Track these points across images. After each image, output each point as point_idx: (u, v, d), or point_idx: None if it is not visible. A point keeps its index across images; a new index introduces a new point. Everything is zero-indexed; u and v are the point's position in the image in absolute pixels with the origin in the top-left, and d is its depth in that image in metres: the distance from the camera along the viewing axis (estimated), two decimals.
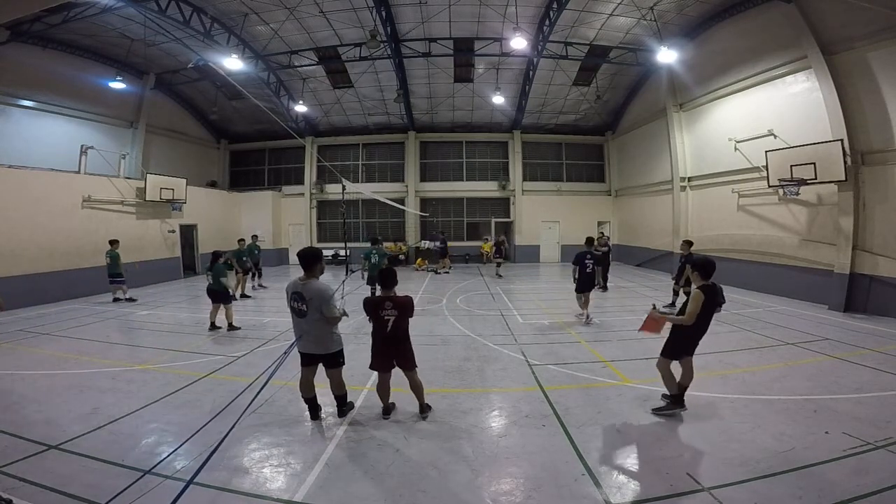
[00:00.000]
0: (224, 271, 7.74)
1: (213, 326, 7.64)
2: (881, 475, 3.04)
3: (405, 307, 3.99)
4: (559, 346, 6.55)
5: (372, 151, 20.25)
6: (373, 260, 9.34)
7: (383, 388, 4.17)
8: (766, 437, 3.64)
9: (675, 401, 4.15)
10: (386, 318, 3.95)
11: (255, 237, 12.84)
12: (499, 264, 15.21)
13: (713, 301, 3.94)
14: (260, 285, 12.21)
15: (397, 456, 3.48)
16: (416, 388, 4.13)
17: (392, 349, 4.03)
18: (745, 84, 11.53)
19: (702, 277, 4.01)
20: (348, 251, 14.35)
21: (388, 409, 4.20)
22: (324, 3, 12.24)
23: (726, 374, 5.25)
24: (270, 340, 6.97)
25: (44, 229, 10.38)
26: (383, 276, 4.13)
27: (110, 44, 13.36)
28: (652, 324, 4.44)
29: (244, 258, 11.23)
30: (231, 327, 7.61)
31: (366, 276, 9.61)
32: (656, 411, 4.18)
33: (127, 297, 10.55)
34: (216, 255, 7.86)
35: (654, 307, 4.27)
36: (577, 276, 7.96)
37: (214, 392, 4.81)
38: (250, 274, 11.65)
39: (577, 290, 8.06)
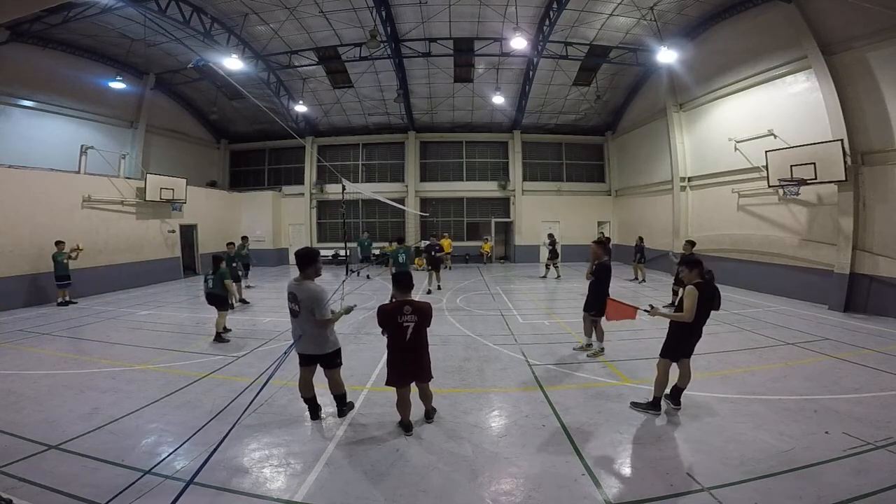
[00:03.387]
0: (228, 275, 7.33)
1: (224, 331, 7.26)
2: (881, 475, 3.05)
3: (425, 313, 3.71)
4: (559, 346, 6.55)
5: (372, 151, 20.25)
6: (401, 260, 9.10)
7: (404, 403, 3.84)
8: (766, 437, 3.64)
9: (654, 405, 4.19)
10: (405, 324, 3.63)
11: (244, 238, 12.76)
12: (556, 266, 14.01)
13: (708, 297, 3.97)
14: (247, 286, 11.69)
15: (397, 456, 3.48)
16: (427, 397, 4.03)
17: (411, 360, 3.74)
18: (745, 84, 11.53)
19: (697, 275, 4.06)
20: (348, 251, 14.35)
21: (409, 426, 3.87)
22: (324, 3, 12.24)
23: (726, 374, 5.24)
24: (270, 340, 6.97)
25: (44, 229, 10.36)
26: (400, 279, 3.80)
27: (110, 44, 13.36)
28: (617, 311, 4.74)
29: (234, 263, 10.90)
30: (218, 337, 7.03)
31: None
32: (634, 405, 4.28)
33: (67, 299, 10.21)
34: (218, 259, 7.49)
35: (652, 307, 4.26)
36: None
37: (214, 392, 4.81)
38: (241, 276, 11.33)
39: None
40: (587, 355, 6.02)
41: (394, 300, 3.84)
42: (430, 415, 4.11)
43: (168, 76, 15.91)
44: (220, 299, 7.16)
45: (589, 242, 6.43)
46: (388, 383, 3.81)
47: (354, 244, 16.56)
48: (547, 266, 14.29)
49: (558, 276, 14.04)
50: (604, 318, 5.51)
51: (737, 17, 11.50)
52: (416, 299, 3.82)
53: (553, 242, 14.22)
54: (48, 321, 8.51)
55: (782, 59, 10.32)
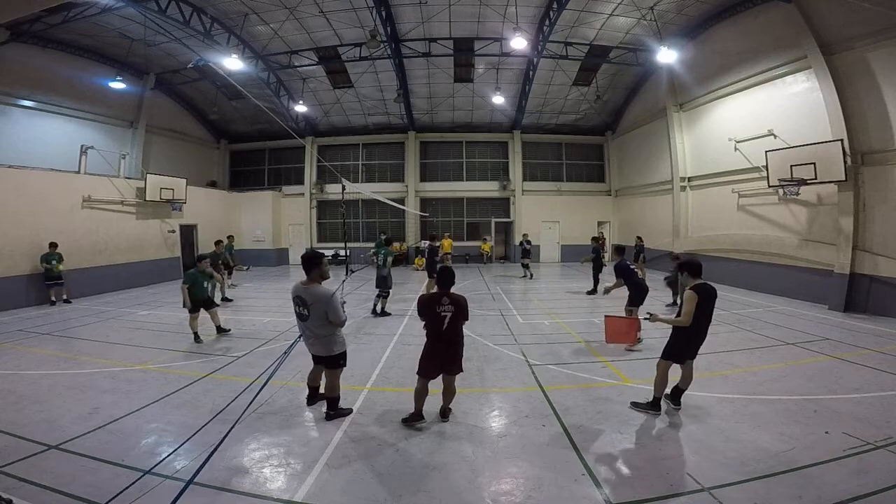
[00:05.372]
0: (189, 279, 6.95)
1: (220, 330, 7.29)
2: (881, 475, 3.04)
3: (462, 306, 3.89)
4: (559, 346, 6.55)
5: (372, 151, 20.26)
6: (378, 261, 8.83)
7: (422, 393, 3.94)
8: (766, 437, 3.64)
9: (654, 405, 4.19)
10: (443, 314, 3.82)
11: (230, 237, 13.36)
12: (523, 263, 14.33)
13: (708, 300, 3.95)
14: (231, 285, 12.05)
15: (397, 456, 3.48)
16: (450, 393, 4.07)
17: (446, 350, 3.89)
18: (745, 84, 11.54)
19: (692, 277, 4.05)
20: (348, 251, 14.35)
21: (420, 416, 3.95)
22: (324, 3, 12.25)
23: (726, 374, 5.24)
24: (270, 340, 6.97)
25: (44, 229, 10.37)
26: (442, 275, 4.04)
27: (110, 44, 13.36)
28: (618, 332, 4.96)
29: (219, 262, 10.75)
30: (196, 337, 6.90)
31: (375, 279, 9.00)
32: (634, 405, 4.29)
33: (66, 297, 10.36)
34: (199, 259, 7.46)
35: (651, 315, 4.21)
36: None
37: (214, 392, 4.80)
38: (226, 275, 11.30)
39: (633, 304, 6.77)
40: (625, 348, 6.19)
41: (433, 291, 4.03)
42: (445, 414, 4.12)
43: (168, 76, 15.91)
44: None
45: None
46: (418, 372, 3.95)
47: (372, 245, 16.43)
48: (527, 266, 14.29)
49: (524, 275, 14.37)
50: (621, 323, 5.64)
51: (737, 17, 11.50)
52: (453, 293, 3.99)
53: (528, 242, 14.40)
54: (48, 321, 8.51)
55: (782, 59, 10.32)
